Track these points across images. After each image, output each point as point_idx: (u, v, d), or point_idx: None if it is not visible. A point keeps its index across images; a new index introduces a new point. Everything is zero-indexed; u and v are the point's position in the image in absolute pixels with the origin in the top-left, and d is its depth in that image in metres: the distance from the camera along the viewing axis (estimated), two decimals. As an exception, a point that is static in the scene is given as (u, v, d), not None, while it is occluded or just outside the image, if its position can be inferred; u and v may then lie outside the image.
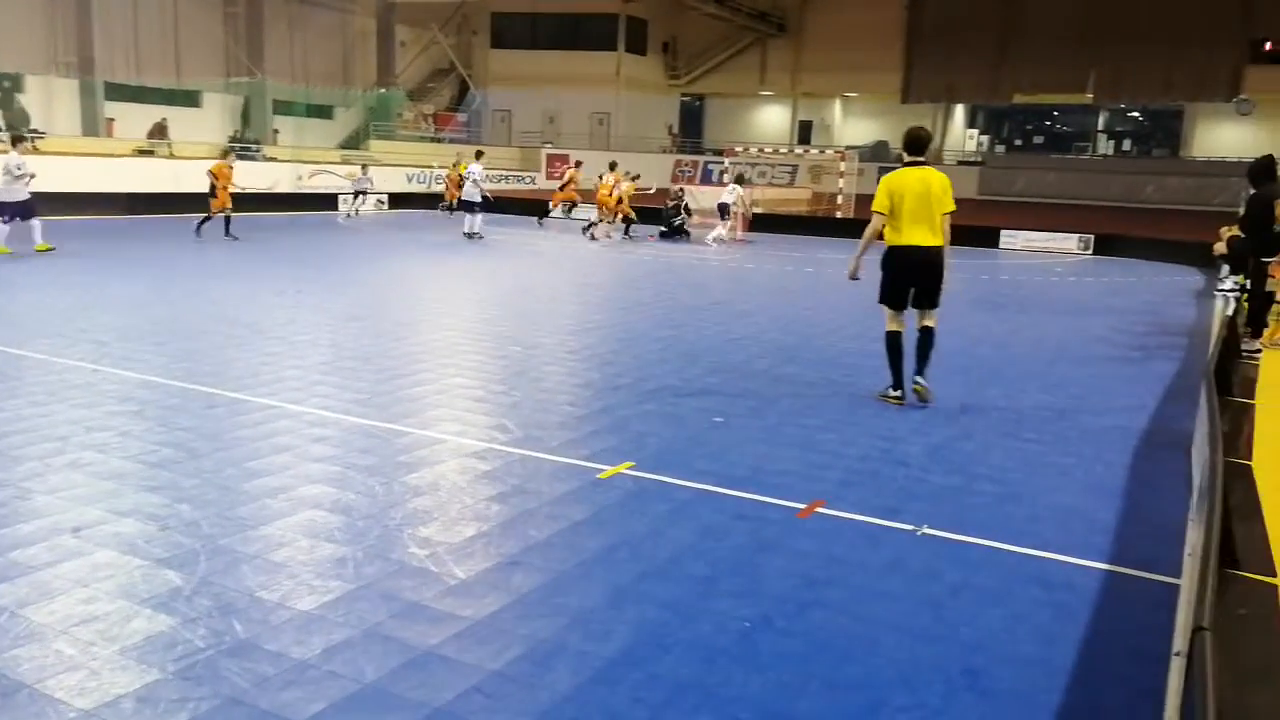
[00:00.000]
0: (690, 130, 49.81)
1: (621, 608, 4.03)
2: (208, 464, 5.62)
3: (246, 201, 20.84)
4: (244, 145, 31.49)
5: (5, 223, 14.87)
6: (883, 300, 7.66)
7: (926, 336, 7.63)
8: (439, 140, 41.25)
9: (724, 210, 22.60)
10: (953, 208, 7.41)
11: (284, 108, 37.39)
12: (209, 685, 3.31)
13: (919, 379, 7.53)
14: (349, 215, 26.67)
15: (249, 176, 17.73)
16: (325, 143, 37.54)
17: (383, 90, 39.93)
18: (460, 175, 24.95)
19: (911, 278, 7.52)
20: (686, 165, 40.81)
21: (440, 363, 8.66)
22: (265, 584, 4.10)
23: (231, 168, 19.23)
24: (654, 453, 6.17)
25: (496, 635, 3.76)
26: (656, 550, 4.64)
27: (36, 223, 15.06)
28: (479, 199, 21.50)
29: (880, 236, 7.61)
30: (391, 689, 3.35)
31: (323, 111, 39.69)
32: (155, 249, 17.19)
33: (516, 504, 5.17)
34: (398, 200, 30.45)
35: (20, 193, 14.96)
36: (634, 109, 44.76)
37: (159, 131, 31.45)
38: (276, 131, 36.24)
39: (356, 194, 27.12)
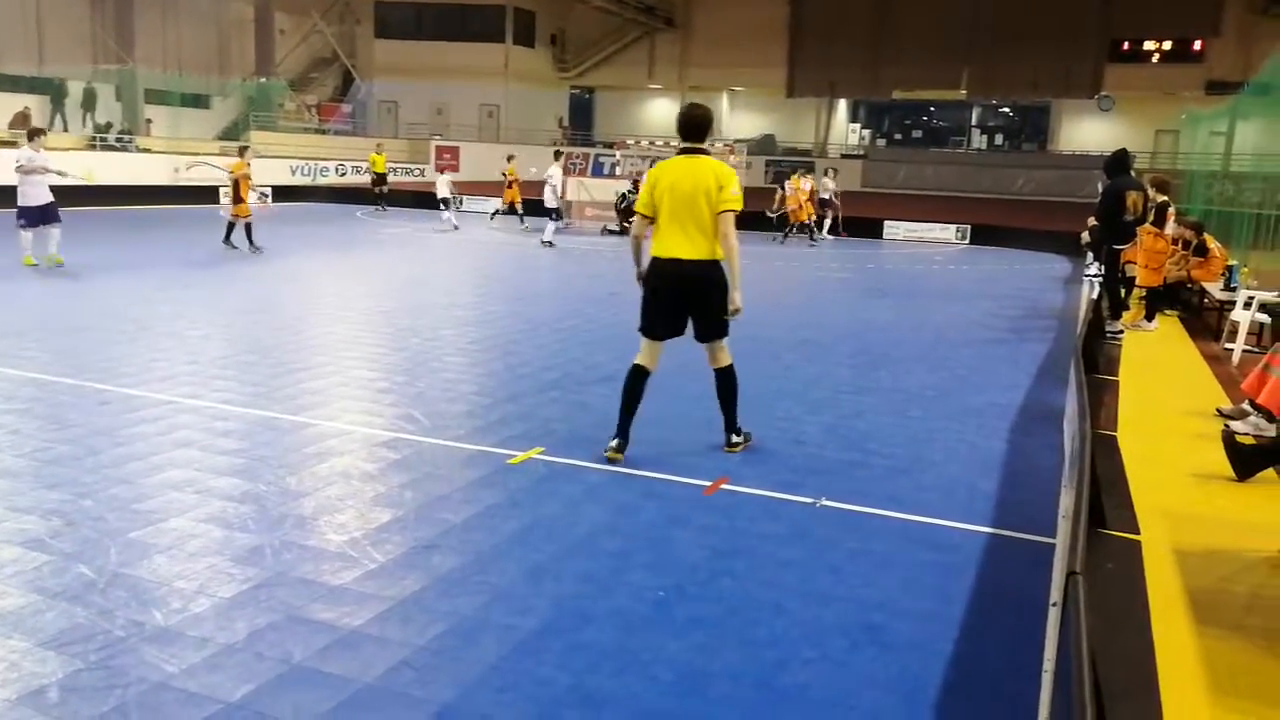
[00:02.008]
0: (580, 123, 49.86)
1: (541, 583, 4.17)
2: (107, 459, 5.51)
3: (83, 194, 18.76)
4: (118, 136, 30.21)
5: (23, 228, 13.26)
6: (640, 326, 6.01)
7: (719, 381, 6.08)
8: (323, 131, 40.30)
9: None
10: (733, 207, 5.61)
11: (157, 97, 35.92)
12: (134, 672, 3.32)
13: (729, 435, 6.13)
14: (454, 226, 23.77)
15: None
16: (203, 133, 36.24)
17: (262, 80, 38.76)
18: (513, 176, 23.48)
19: (670, 300, 5.79)
20: (577, 158, 40.84)
21: (341, 355, 8.59)
22: (182, 573, 4.09)
23: (249, 165, 17.02)
24: (563, 438, 6.30)
25: (420, 613, 3.85)
26: (571, 529, 4.79)
27: (55, 231, 13.41)
28: (557, 204, 19.95)
29: None
30: (320, 668, 3.42)
31: (199, 101, 38.27)
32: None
33: (430, 490, 5.24)
34: (282, 193, 29.67)
35: (40, 194, 13.28)
36: (523, 101, 44.55)
37: (22, 121, 29.87)
38: (149, 121, 34.81)
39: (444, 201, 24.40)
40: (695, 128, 5.77)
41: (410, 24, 43.72)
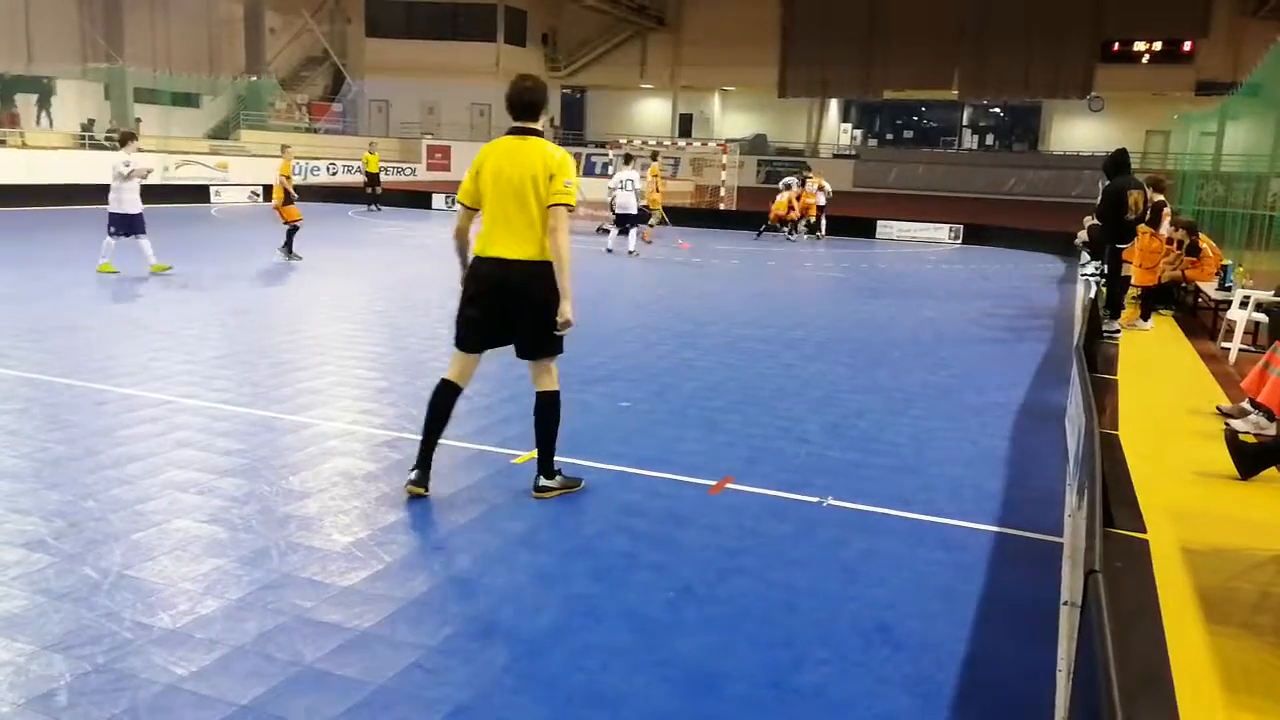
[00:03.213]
0: (572, 123, 49.83)
1: (550, 584, 4.14)
2: (107, 460, 5.47)
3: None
4: (107, 135, 30.03)
5: (112, 235, 12.73)
6: (455, 335, 5.23)
7: (539, 408, 5.18)
8: (314, 130, 40.18)
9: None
10: (564, 200, 4.82)
11: (147, 96, 35.74)
12: (144, 674, 3.28)
13: (539, 478, 5.14)
14: None
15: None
16: (192, 132, 36.08)
17: (253, 78, 38.62)
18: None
19: (490, 307, 4.97)
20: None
21: (339, 355, 8.55)
22: (188, 575, 4.05)
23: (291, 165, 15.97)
24: (565, 437, 6.21)
25: (430, 614, 3.83)
26: (578, 529, 4.76)
27: (145, 242, 12.82)
28: (635, 210, 18.32)
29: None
30: (332, 669, 3.38)
31: (189, 100, 38.11)
32: (18, 244, 16.30)
33: (434, 490, 5.20)
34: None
35: (134, 202, 12.73)
36: (515, 100, 44.45)
37: (10, 120, 29.71)
38: (139, 120, 34.63)
39: None
40: (525, 104, 4.92)
41: (401, 23, 43.66)
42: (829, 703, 3.31)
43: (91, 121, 32.79)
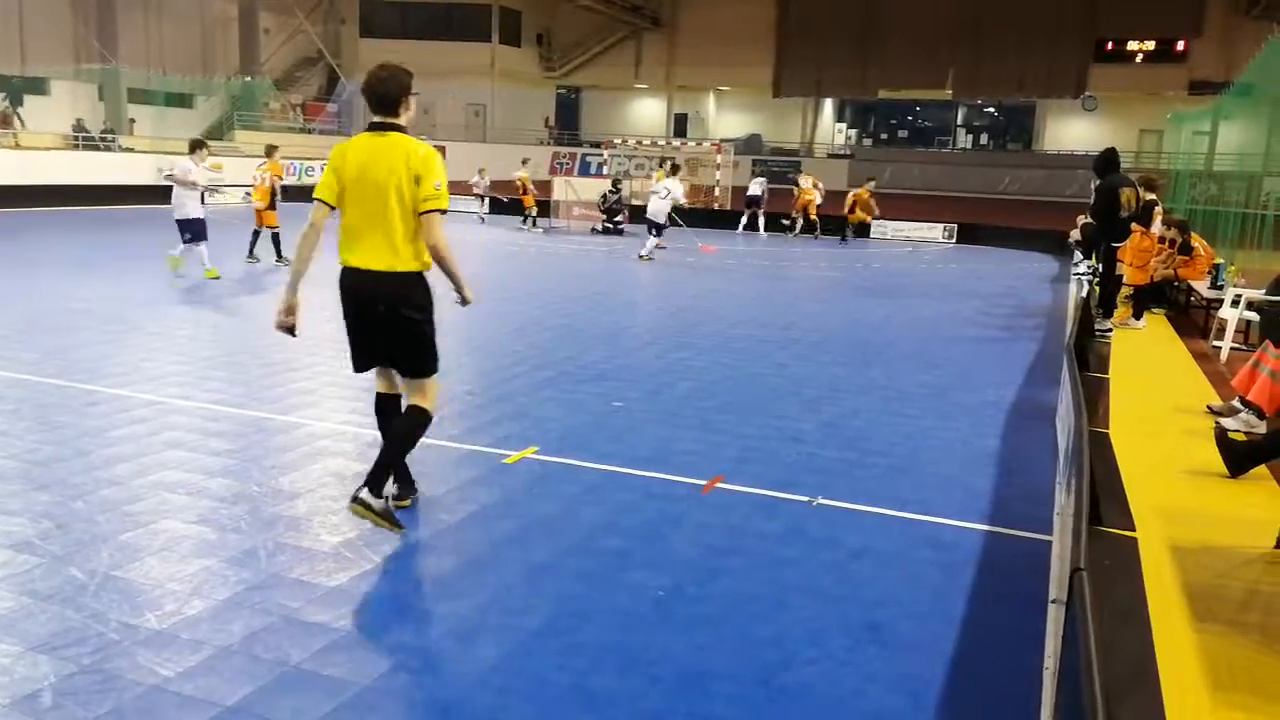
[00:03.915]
0: (567, 123, 49.81)
1: (539, 583, 4.14)
2: (97, 460, 5.45)
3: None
4: (101, 135, 29.99)
5: (186, 242, 12.47)
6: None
7: (403, 419, 4.62)
8: (309, 131, 40.08)
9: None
10: (436, 206, 4.34)
11: (141, 96, 35.65)
12: (129, 675, 3.27)
13: (362, 493, 4.33)
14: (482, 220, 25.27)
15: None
16: (187, 133, 35.94)
17: (247, 79, 38.54)
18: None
19: (361, 323, 4.57)
20: (564, 157, 40.84)
21: (330, 356, 8.52)
22: (175, 575, 4.04)
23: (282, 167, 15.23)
24: (557, 437, 6.27)
25: (417, 615, 3.82)
26: (569, 529, 4.76)
27: (200, 247, 12.60)
28: (664, 220, 17.96)
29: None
30: (318, 670, 3.38)
31: (183, 100, 38.01)
32: (8, 245, 16.26)
33: (424, 490, 5.19)
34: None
35: (184, 208, 12.37)
36: (510, 101, 44.51)
37: (3, 121, 29.62)
38: (133, 121, 34.56)
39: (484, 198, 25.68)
40: (382, 97, 4.41)
41: (395, 23, 43.59)
42: (816, 701, 3.30)
43: (80, 121, 32.66)
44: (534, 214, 24.00)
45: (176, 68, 36.95)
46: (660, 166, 19.59)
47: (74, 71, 34.21)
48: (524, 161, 24.92)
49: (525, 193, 23.86)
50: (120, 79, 34.47)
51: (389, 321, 4.46)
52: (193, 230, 12.49)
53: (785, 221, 24.25)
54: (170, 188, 12.59)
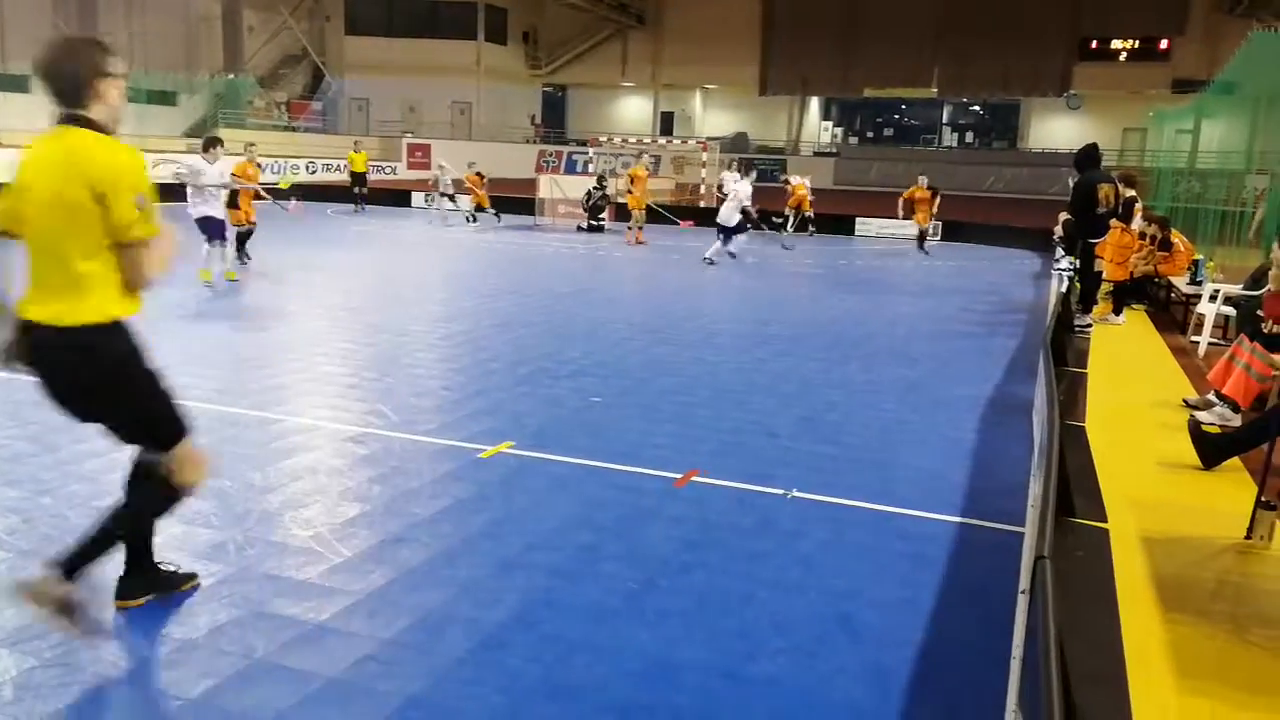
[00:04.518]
0: (553, 121, 49.74)
1: (510, 576, 4.13)
2: (66, 455, 5.41)
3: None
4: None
5: (209, 243, 11.82)
6: None
7: (138, 493, 3.66)
8: (293, 129, 39.92)
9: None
10: (137, 235, 3.20)
11: (123, 94, 35.38)
12: (91, 669, 3.25)
13: (48, 572, 3.31)
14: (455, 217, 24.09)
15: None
16: (169, 131, 35.78)
17: (231, 77, 38.35)
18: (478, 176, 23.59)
19: (50, 393, 3.35)
20: (550, 156, 40.79)
21: (308, 352, 8.49)
22: (142, 570, 4.00)
23: (259, 167, 14.56)
24: (533, 432, 6.25)
25: (386, 607, 3.80)
26: (541, 522, 4.74)
27: (224, 249, 12.10)
28: (735, 223, 17.09)
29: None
30: (283, 662, 3.36)
31: (166, 98, 37.79)
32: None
33: (398, 484, 5.18)
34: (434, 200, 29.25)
35: (211, 206, 11.78)
36: (496, 99, 44.42)
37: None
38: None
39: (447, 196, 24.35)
40: (61, 81, 3.21)
41: (381, 21, 43.46)
42: (783, 692, 3.30)
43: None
44: (477, 209, 23.87)
45: (159, 65, 36.71)
46: (746, 173, 18.59)
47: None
48: (470, 165, 24.85)
49: (473, 190, 23.92)
50: (102, 76, 34.18)
51: (78, 393, 3.32)
52: (209, 230, 11.81)
53: (777, 220, 24.25)
54: (185, 186, 11.92)
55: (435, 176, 24.98)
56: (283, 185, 14.90)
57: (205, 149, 12.12)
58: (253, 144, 14.51)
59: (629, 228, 20.87)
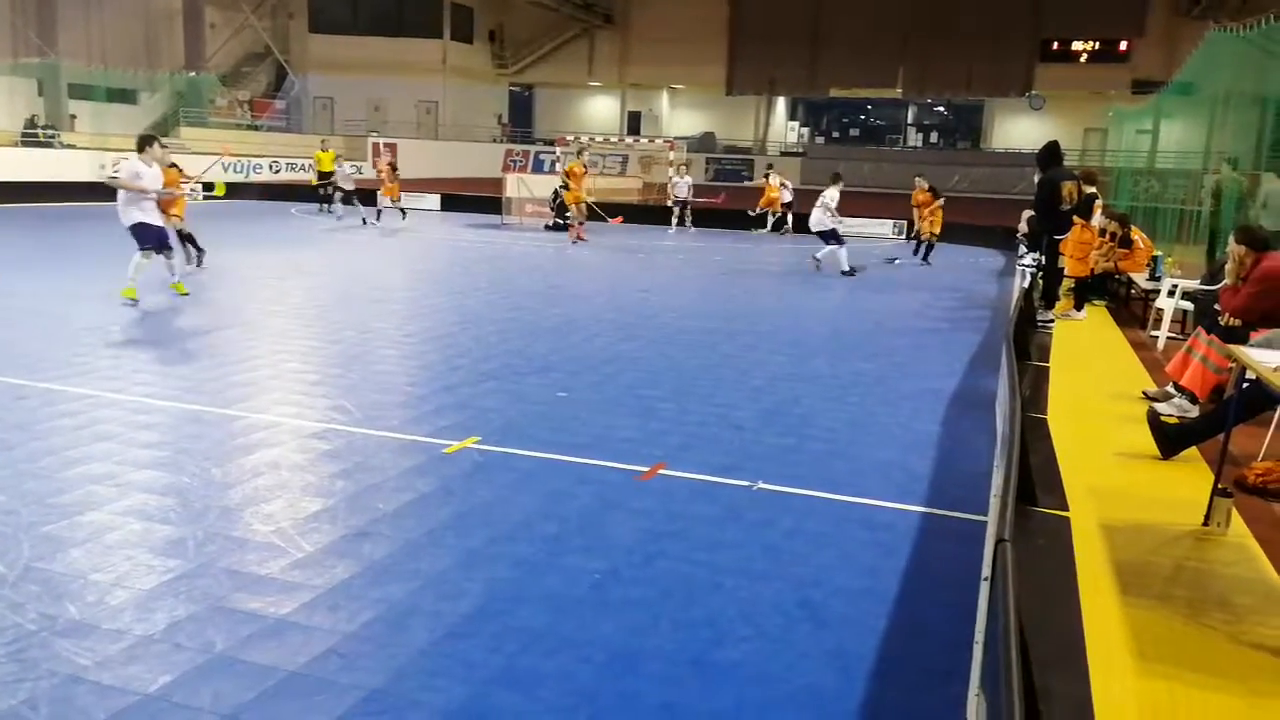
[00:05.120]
0: (520, 120, 49.57)
1: (473, 569, 4.10)
2: (21, 454, 5.31)
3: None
4: (42, 128, 29.28)
5: (146, 253, 10.35)
6: None
7: None
8: (256, 128, 39.50)
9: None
10: None
11: (82, 91, 34.85)
12: (45, 665, 3.18)
13: None
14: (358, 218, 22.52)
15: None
16: (130, 129, 35.21)
17: (192, 74, 37.86)
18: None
19: None
20: (517, 155, 40.67)
21: (271, 349, 8.40)
22: (98, 566, 3.94)
23: (178, 169, 12.96)
24: (499, 427, 6.22)
25: (349, 601, 3.76)
26: (506, 515, 4.72)
27: (171, 259, 10.96)
28: (829, 227, 16.04)
29: None
30: (243, 656, 3.31)
31: (126, 96, 37.23)
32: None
33: (361, 480, 5.13)
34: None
35: (149, 213, 10.40)
36: (462, 98, 44.18)
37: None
38: (74, 117, 33.78)
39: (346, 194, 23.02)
40: None
41: (345, 19, 43.09)
42: (747, 677, 3.30)
43: (34, 118, 31.84)
44: (391, 205, 22.47)
45: (119, 62, 36.15)
46: (834, 182, 16.72)
47: (11, 66, 33.34)
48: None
49: (386, 184, 22.37)
50: (60, 73, 33.68)
51: None
52: (148, 238, 10.39)
53: (752, 213, 24.43)
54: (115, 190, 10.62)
55: (340, 169, 23.47)
56: (218, 192, 14.04)
57: (140, 149, 10.63)
58: (165, 145, 11.70)
59: (569, 224, 20.54)
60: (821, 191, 16.53)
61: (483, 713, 3.06)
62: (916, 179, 19.87)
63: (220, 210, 24.56)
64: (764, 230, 24.41)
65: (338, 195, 23.39)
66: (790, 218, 24.24)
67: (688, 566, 4.18)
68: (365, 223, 22.01)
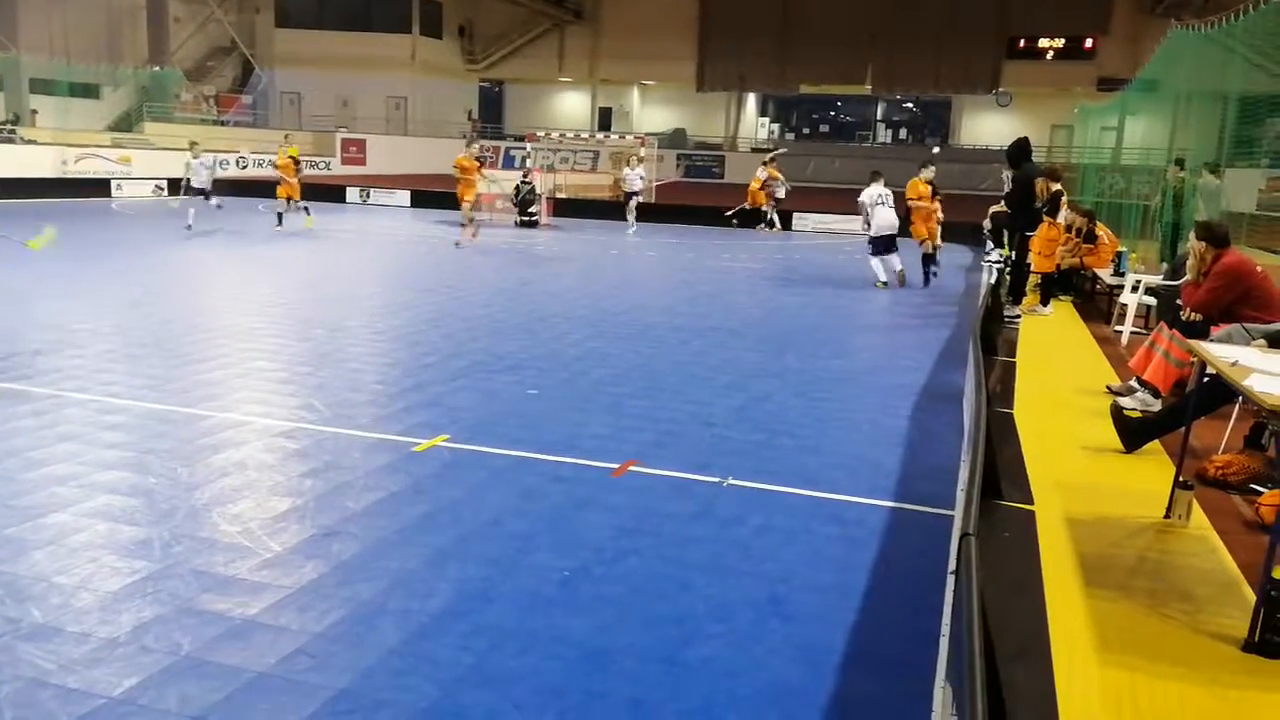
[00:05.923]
0: (490, 116, 49.36)
1: (443, 567, 4.09)
2: (-16, 456, 5.23)
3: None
4: (3, 124, 28.79)
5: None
6: None
7: None
8: (222, 123, 39.06)
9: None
10: None
11: (43, 86, 34.28)
12: (7, 670, 3.14)
13: None
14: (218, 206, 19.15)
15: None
16: (93, 124, 34.74)
17: (156, 69, 37.37)
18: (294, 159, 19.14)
19: None
20: (488, 151, 40.48)
21: (239, 348, 8.32)
22: (62, 569, 3.89)
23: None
24: (469, 425, 6.20)
25: (318, 601, 3.74)
26: (476, 514, 4.71)
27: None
28: (888, 232, 14.69)
29: None
30: (210, 658, 3.29)
31: (89, 91, 36.67)
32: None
33: (330, 479, 5.10)
34: (178, 187, 28.49)
35: None
36: (431, 93, 43.90)
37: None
38: (35, 112, 33.23)
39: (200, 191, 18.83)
40: None
41: (312, 13, 42.64)
42: (717, 673, 3.32)
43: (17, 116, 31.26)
44: (290, 207, 19.62)
45: (81, 56, 35.59)
46: (874, 179, 15.20)
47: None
48: (285, 137, 20.52)
49: (284, 179, 19.51)
50: (20, 68, 33.12)
51: None
52: None
53: (729, 214, 24.48)
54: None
55: (187, 163, 19.32)
56: (34, 245, 12.59)
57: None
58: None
59: (461, 224, 18.35)
60: (862, 190, 14.82)
61: (453, 711, 3.06)
62: (921, 169, 15.65)
63: (183, 207, 24.27)
64: (768, 229, 24.36)
65: (188, 193, 19.30)
66: (776, 216, 24.29)
67: (658, 564, 4.20)
68: (281, 221, 19.67)
